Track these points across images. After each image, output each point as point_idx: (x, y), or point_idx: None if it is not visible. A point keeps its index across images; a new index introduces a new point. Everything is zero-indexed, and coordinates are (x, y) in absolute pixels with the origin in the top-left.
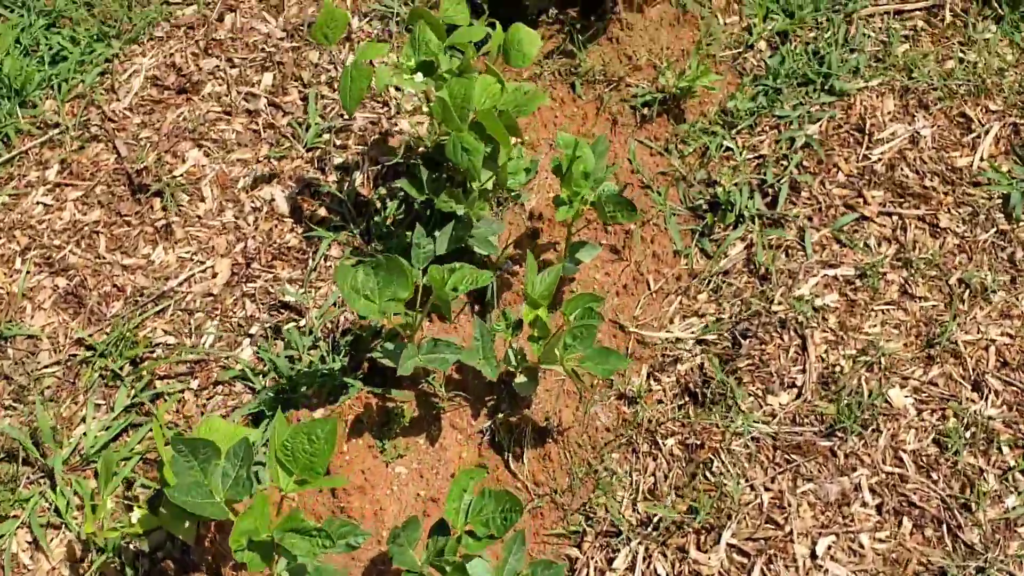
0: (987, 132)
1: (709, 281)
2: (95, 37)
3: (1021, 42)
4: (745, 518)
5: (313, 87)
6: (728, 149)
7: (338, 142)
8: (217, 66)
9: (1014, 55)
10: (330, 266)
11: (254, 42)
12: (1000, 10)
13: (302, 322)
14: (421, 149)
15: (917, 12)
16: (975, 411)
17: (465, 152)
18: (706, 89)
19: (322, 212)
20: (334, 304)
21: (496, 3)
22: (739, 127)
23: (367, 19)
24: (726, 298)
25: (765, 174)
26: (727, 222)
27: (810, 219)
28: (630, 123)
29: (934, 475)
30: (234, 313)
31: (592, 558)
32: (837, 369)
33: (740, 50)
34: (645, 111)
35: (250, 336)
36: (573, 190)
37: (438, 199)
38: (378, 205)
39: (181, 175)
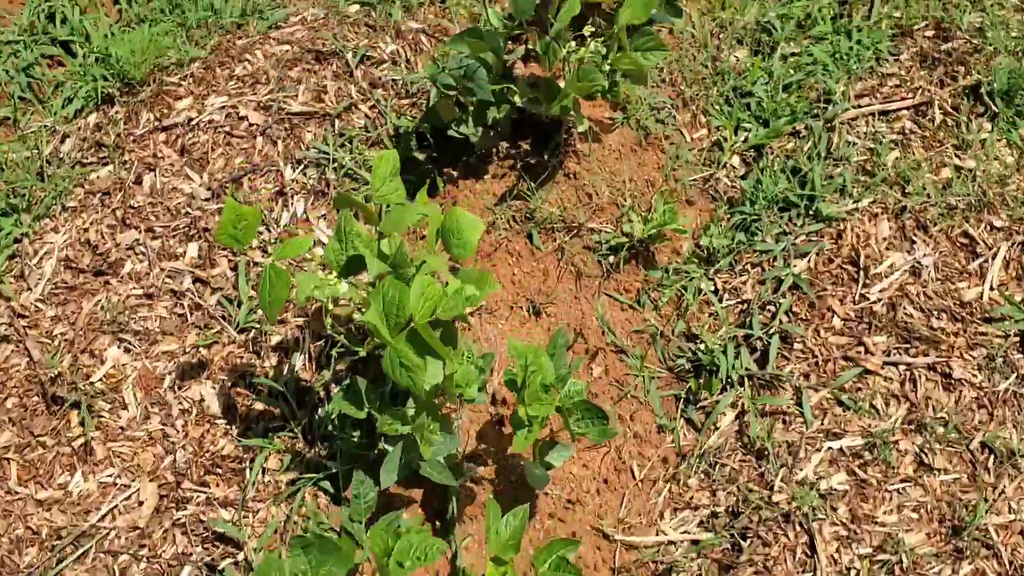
0: (994, 255)
1: (700, 462)
2: (3, 212)
3: (1020, 141)
4: None
5: (243, 255)
6: (707, 293)
7: None
8: (137, 240)
9: (1014, 157)
10: (268, 482)
11: (176, 206)
12: (993, 106)
13: (240, 556)
14: (360, 353)
15: (904, 112)
16: None
17: (404, 368)
18: (676, 232)
19: (259, 407)
20: (275, 531)
21: (441, 141)
22: (717, 266)
23: (301, 167)
24: (720, 484)
25: (751, 324)
26: (714, 390)
27: (806, 377)
28: (596, 274)
29: None
30: (163, 551)
31: None
32: (852, 573)
33: (711, 171)
34: (612, 259)
35: None
36: (530, 412)
37: (380, 420)
38: (322, 393)
39: (100, 379)
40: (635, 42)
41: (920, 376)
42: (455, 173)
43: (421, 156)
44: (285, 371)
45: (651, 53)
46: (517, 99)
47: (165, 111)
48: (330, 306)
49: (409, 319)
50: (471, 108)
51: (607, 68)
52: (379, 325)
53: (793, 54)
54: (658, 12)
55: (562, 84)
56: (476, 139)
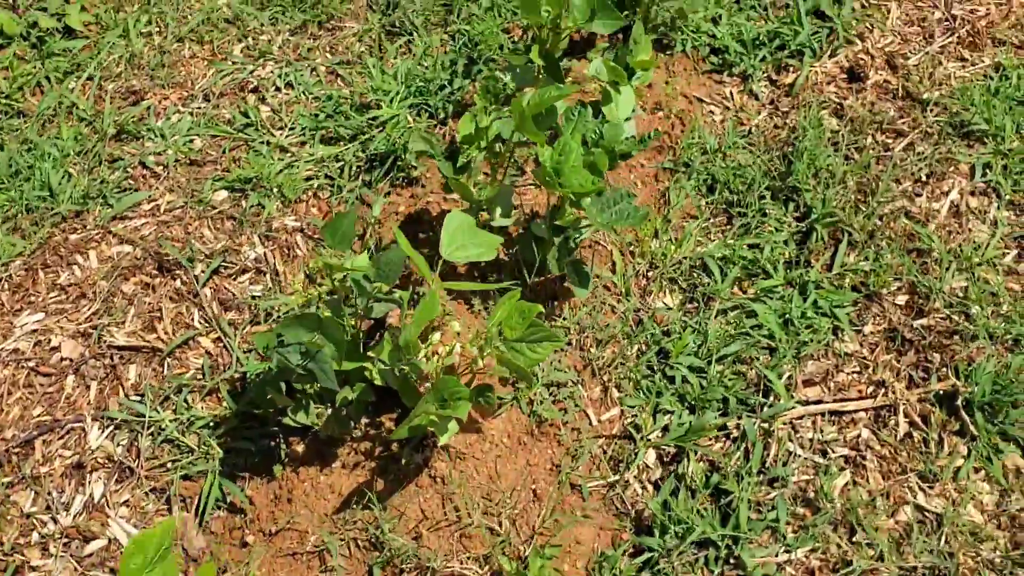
0: None
1: None
2: None
3: (1003, 478)
4: None
5: (16, 555)
6: None
7: None
8: None
9: (993, 499)
10: None
11: None
12: (971, 425)
13: None
14: None
15: (861, 415)
16: None
17: None
18: None
19: None
20: None
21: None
22: None
23: (110, 428)
24: None
25: None
26: None
27: None
28: None
29: None
30: None
31: None
32: None
33: (619, 474)
34: None
35: None
36: None
37: None
38: None
39: None
40: (519, 332)
41: None
42: (300, 449)
43: (267, 413)
44: None
45: (539, 346)
46: (377, 377)
47: None
48: None
49: None
50: (313, 391)
51: (481, 365)
52: None
53: (735, 308)
54: (564, 273)
55: (424, 379)
56: (320, 427)
